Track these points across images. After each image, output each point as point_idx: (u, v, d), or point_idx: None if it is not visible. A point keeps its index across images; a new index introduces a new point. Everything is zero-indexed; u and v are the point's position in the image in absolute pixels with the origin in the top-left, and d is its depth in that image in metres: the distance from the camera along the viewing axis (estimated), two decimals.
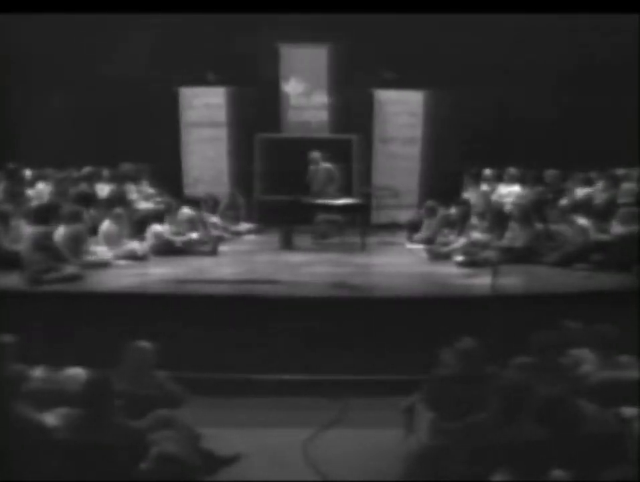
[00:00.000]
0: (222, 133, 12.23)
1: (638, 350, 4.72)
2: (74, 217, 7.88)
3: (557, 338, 4.82)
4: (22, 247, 7.27)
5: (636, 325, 5.38)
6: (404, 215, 11.23)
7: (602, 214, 8.37)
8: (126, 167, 10.73)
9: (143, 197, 10.42)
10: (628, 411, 3.97)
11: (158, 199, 10.56)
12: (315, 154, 10.37)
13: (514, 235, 8.38)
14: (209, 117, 12.23)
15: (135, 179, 10.59)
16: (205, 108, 12.23)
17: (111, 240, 8.33)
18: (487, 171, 10.50)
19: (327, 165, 10.32)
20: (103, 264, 7.85)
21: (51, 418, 4.12)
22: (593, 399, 4.12)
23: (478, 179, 10.51)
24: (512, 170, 10.23)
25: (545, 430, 3.78)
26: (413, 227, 10.15)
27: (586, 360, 4.81)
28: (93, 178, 10.41)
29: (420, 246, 9.31)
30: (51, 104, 11.27)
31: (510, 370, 4.55)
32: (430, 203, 10.00)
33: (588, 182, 9.64)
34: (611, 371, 4.58)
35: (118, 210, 8.69)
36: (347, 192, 10.65)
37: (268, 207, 11.20)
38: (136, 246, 8.54)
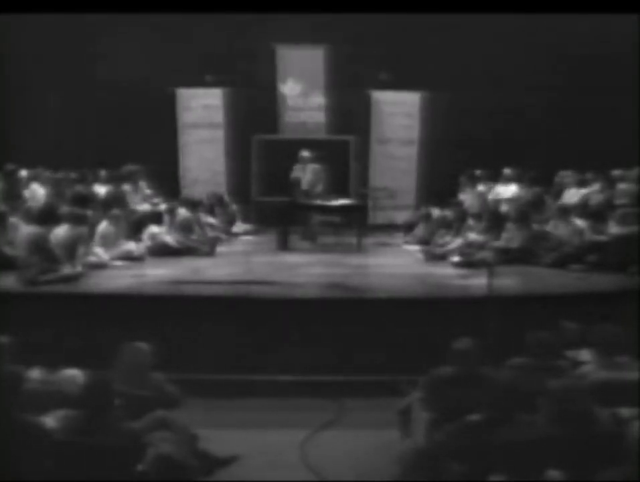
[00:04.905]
0: (220, 134, 12.25)
1: (636, 350, 4.72)
2: (78, 220, 7.86)
3: (553, 338, 4.82)
4: (18, 248, 7.27)
5: (633, 325, 5.38)
6: (401, 216, 11.27)
7: (598, 215, 8.38)
8: (124, 168, 10.73)
9: (140, 199, 10.42)
10: (627, 411, 3.97)
11: (156, 200, 10.57)
12: (305, 154, 10.32)
13: (510, 236, 8.39)
14: (207, 118, 12.25)
15: (133, 180, 10.59)
16: (202, 109, 12.25)
17: (108, 241, 8.32)
18: (484, 172, 10.52)
19: (314, 165, 10.28)
20: (100, 265, 7.85)
21: (49, 420, 4.12)
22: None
23: (474, 179, 10.52)
24: (508, 171, 10.25)
25: (543, 430, 3.79)
26: (410, 228, 10.18)
27: (584, 360, 4.82)
28: (90, 179, 10.42)
29: (417, 247, 9.32)
30: (48, 105, 11.28)
31: (504, 370, 4.56)
32: (424, 209, 10.05)
33: (584, 183, 9.65)
34: (609, 372, 4.58)
35: (116, 211, 8.69)
36: (344, 193, 10.66)
37: (265, 208, 11.21)
38: (133, 247, 8.54)
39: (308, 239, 9.97)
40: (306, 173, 10.21)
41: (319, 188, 10.11)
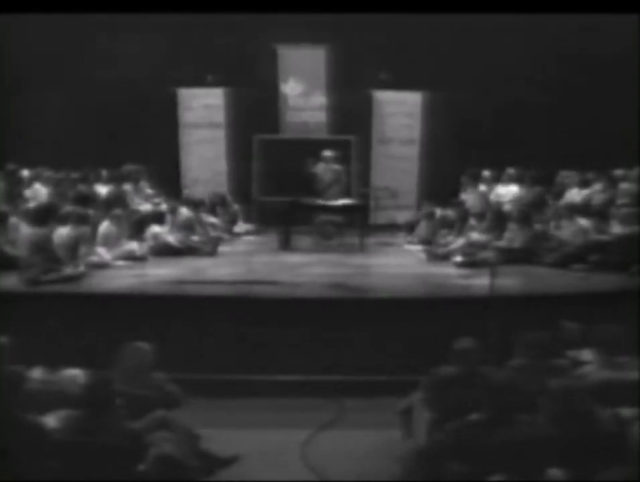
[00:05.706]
0: (221, 134, 12.24)
1: (637, 350, 4.71)
2: (80, 220, 7.87)
3: (553, 338, 4.82)
4: (20, 248, 7.27)
5: (634, 325, 5.38)
6: (403, 216, 11.26)
7: (600, 215, 8.37)
8: (125, 168, 10.74)
9: (142, 198, 10.42)
10: (628, 411, 3.97)
11: (157, 200, 10.57)
12: (328, 153, 10.31)
13: (513, 236, 8.38)
14: (208, 118, 12.25)
15: (134, 180, 10.59)
16: (203, 109, 12.24)
17: (110, 241, 8.33)
18: (485, 172, 10.51)
19: (336, 167, 10.27)
20: (102, 265, 7.85)
21: (50, 420, 4.12)
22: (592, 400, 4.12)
23: (476, 179, 10.51)
24: (510, 170, 10.25)
25: (544, 430, 3.78)
26: (411, 228, 10.17)
27: (585, 360, 4.81)
28: (92, 179, 10.43)
29: (419, 247, 9.32)
30: (50, 104, 11.27)
31: (505, 370, 4.55)
32: (427, 208, 10.03)
33: (585, 183, 9.64)
34: (610, 372, 4.57)
35: (117, 211, 8.69)
36: (346, 193, 10.65)
37: (266, 208, 11.21)
38: (135, 247, 8.55)
39: (326, 239, 9.87)
40: (327, 172, 10.20)
41: (336, 189, 10.07)
